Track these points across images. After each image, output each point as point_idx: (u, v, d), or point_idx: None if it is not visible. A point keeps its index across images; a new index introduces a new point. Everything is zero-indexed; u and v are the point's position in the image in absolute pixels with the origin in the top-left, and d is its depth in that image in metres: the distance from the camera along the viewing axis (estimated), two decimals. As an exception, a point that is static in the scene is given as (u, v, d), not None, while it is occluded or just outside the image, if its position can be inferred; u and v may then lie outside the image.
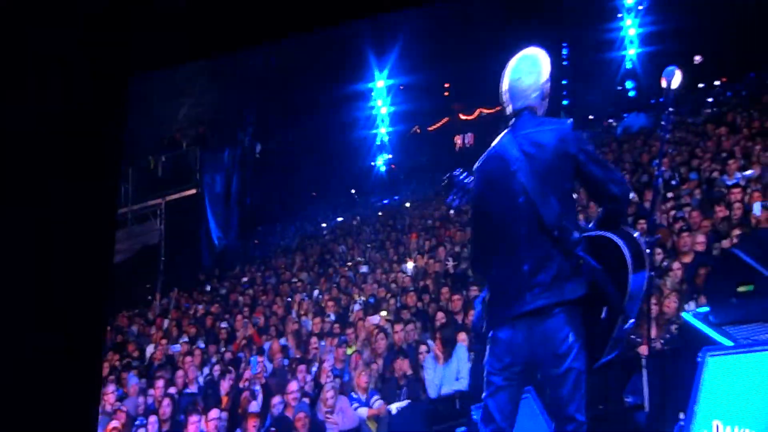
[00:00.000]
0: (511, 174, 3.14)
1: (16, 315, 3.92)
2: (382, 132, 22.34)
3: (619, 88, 19.96)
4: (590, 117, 17.78)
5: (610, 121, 17.69)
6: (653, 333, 5.29)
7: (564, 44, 22.53)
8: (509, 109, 3.32)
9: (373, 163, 21.94)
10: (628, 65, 20.70)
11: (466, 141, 22.70)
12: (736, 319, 4.66)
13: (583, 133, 3.34)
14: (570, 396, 3.08)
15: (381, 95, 21.94)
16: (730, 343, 4.41)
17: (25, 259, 3.94)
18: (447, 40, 19.20)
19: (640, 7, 20.81)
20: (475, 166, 3.35)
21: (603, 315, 3.07)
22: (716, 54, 16.48)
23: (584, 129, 15.30)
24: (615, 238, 3.12)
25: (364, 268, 11.43)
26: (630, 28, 21.17)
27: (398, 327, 7.59)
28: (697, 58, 16.27)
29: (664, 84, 4.68)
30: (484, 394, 3.22)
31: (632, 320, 3.13)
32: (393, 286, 9.66)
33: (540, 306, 3.06)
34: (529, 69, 3.31)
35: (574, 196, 3.28)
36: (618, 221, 3.20)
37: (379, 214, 16.54)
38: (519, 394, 3.22)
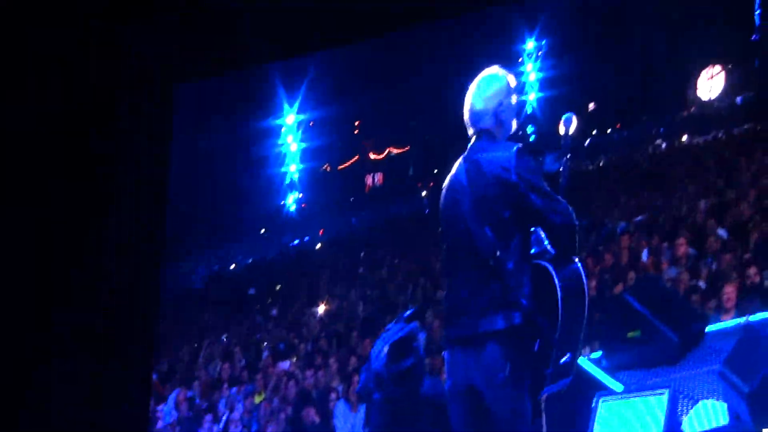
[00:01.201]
0: (455, 202, 3.15)
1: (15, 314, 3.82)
2: (292, 170, 22.30)
3: (521, 132, 20.66)
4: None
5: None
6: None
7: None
8: (470, 133, 3.24)
9: (283, 202, 21.87)
10: (529, 110, 21.50)
11: (375, 180, 22.97)
12: (627, 363, 4.88)
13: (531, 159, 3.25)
14: (508, 427, 3.02)
15: (291, 131, 21.94)
16: (621, 388, 4.63)
17: (24, 259, 3.85)
18: (357, 77, 19.45)
19: (540, 53, 21.71)
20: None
21: (535, 348, 3.02)
22: (609, 101, 17.30)
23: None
24: (549, 268, 3.05)
25: (273, 311, 11.39)
26: (530, 73, 22.02)
27: (309, 372, 7.56)
28: (591, 105, 17.06)
29: (562, 130, 4.87)
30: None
31: (569, 354, 3.05)
32: (303, 330, 9.65)
33: (468, 333, 3.05)
34: (482, 92, 3.19)
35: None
36: (563, 251, 3.10)
37: (290, 255, 16.48)
38: (469, 414, 3.13)
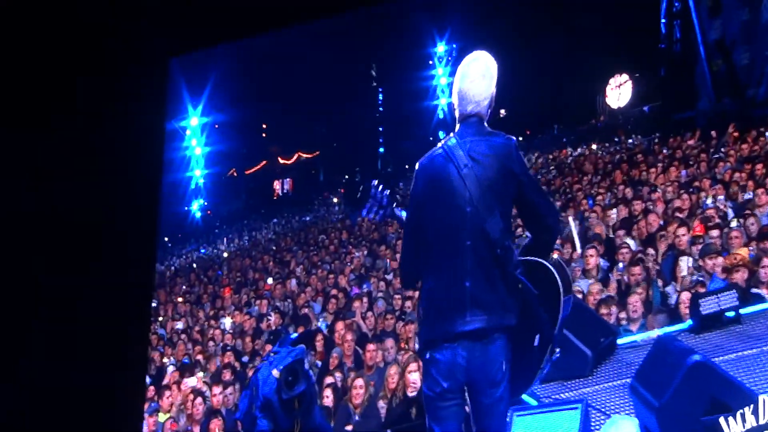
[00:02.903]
0: (458, 178, 2.98)
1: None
2: (197, 174, 21.79)
3: (431, 138, 20.84)
4: (406, 166, 18.46)
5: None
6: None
7: (380, 89, 23.33)
8: (457, 113, 3.12)
9: (187, 209, 21.36)
10: (440, 115, 21.77)
11: (285, 187, 22.78)
12: (541, 378, 5.02)
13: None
14: (498, 427, 2.98)
15: (195, 134, 21.46)
16: (534, 402, 4.76)
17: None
18: (263, 78, 19.21)
19: (450, 57, 22.02)
20: (417, 165, 3.13)
21: (536, 343, 3.00)
22: (520, 108, 17.68)
23: (404, 177, 15.91)
24: (547, 263, 3.07)
25: (178, 325, 11.13)
26: (441, 77, 22.30)
27: (217, 389, 7.37)
28: (502, 112, 17.42)
29: None
30: (427, 419, 3.05)
31: (558, 351, 3.08)
32: (210, 344, 9.47)
33: (480, 328, 2.91)
34: (481, 73, 3.08)
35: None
36: (547, 253, 3.16)
37: (194, 265, 16.15)
38: (463, 413, 3.03)
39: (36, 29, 3.94)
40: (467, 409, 3.07)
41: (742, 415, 3.41)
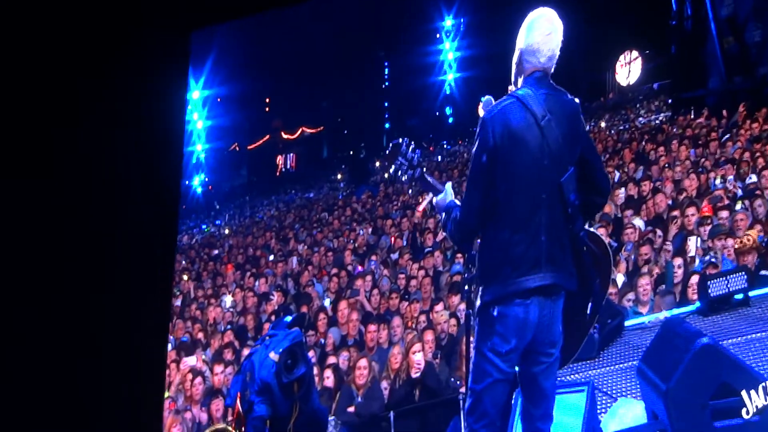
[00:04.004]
0: (537, 129, 2.88)
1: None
2: (198, 149, 21.73)
3: (438, 113, 20.71)
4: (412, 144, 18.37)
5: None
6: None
7: (386, 64, 23.18)
8: (524, 68, 2.99)
9: (188, 183, 21.32)
10: (447, 90, 21.65)
11: (288, 162, 22.71)
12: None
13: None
14: (552, 389, 2.98)
15: (197, 108, 21.38)
16: (540, 384, 4.79)
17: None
18: (267, 52, 19.09)
19: (458, 31, 21.87)
20: (488, 114, 2.95)
21: (588, 311, 3.00)
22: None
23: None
24: (601, 236, 3.06)
25: (176, 302, 11.14)
26: (449, 52, 22.15)
27: (218, 368, 7.34)
28: (511, 88, 17.27)
29: (481, 113, 4.89)
30: (478, 385, 2.93)
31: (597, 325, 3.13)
32: (210, 322, 9.49)
33: (552, 284, 2.87)
34: (553, 28, 2.99)
35: None
36: (593, 216, 3.23)
37: (195, 241, 16.18)
38: (513, 389, 3.02)
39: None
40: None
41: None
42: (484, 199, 2.94)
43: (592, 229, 3.10)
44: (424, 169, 3.22)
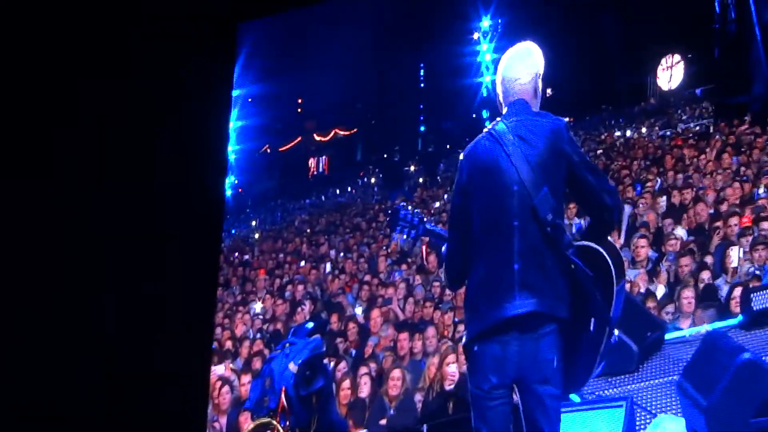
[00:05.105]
0: (505, 157, 2.99)
1: None
2: (228, 150, 21.85)
3: (474, 116, 20.62)
4: (448, 146, 18.33)
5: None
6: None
7: (421, 65, 23.18)
8: (502, 101, 3.21)
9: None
10: (484, 93, 21.53)
11: (320, 165, 22.76)
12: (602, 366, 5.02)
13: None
14: (551, 426, 2.97)
15: (227, 108, 21.54)
16: (578, 399, 4.78)
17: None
18: (300, 51, 19.18)
19: (496, 32, 21.79)
20: (462, 156, 3.17)
21: (591, 328, 2.96)
22: (566, 87, 17.49)
23: (446, 158, 15.86)
24: (595, 246, 3.06)
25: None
26: (486, 53, 22.06)
27: (245, 378, 7.40)
28: (549, 92, 17.18)
29: None
30: (473, 418, 3.00)
31: (615, 334, 3.09)
32: (240, 330, 9.55)
33: (530, 312, 2.88)
34: (522, 61, 3.18)
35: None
36: (606, 233, 3.15)
37: (223, 245, 16.25)
38: (511, 413, 3.03)
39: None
40: (517, 406, 3.04)
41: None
42: (463, 241, 3.06)
43: (584, 243, 3.09)
44: (425, 219, 3.40)
